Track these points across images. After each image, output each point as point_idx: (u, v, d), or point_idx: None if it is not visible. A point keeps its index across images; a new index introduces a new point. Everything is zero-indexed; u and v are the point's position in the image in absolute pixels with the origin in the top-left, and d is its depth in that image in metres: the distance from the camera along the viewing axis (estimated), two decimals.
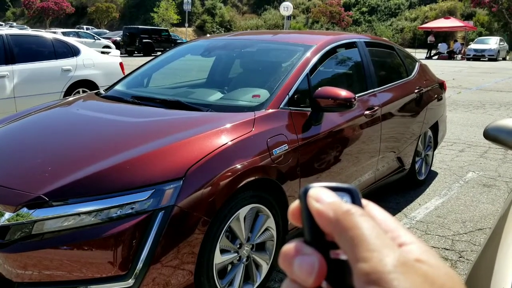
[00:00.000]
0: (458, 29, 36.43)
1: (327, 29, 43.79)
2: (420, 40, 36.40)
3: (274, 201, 2.69)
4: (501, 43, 29.64)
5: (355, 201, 0.37)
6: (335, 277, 0.34)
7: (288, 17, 26.19)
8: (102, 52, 8.57)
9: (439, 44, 31.12)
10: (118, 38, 29.33)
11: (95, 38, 27.07)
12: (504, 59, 29.89)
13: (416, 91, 4.42)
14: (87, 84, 7.07)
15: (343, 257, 0.34)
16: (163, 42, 28.88)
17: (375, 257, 0.32)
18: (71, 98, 3.67)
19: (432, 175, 5.05)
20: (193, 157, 2.31)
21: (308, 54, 3.32)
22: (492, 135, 1.84)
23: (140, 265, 2.08)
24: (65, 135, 2.82)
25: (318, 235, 0.36)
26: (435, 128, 4.97)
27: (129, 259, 2.08)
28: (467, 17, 42.41)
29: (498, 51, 28.71)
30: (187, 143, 2.42)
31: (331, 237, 0.35)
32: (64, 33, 23.49)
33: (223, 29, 47.77)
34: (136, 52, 27.58)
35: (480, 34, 37.44)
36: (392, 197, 4.39)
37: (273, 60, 3.78)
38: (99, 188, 2.14)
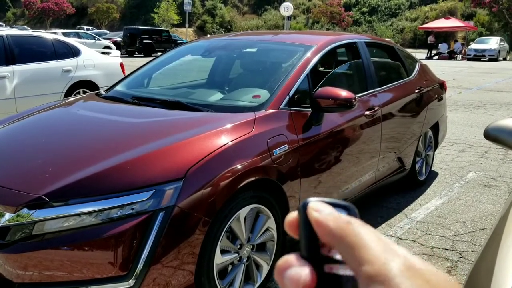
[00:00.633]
0: (458, 29, 36.43)
1: (328, 29, 43.79)
2: (420, 40, 36.40)
3: (274, 202, 2.69)
4: (501, 43, 29.63)
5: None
6: None
7: (289, 18, 26.20)
8: (103, 53, 8.57)
9: (440, 44, 31.11)
10: (119, 39, 29.33)
11: (96, 38, 27.08)
12: (504, 59, 29.88)
13: (416, 91, 4.42)
14: (88, 85, 7.07)
15: (340, 271, 0.35)
16: (164, 42, 28.89)
17: (379, 261, 0.32)
18: (71, 99, 3.67)
19: (432, 175, 5.05)
20: (194, 158, 2.31)
21: (308, 54, 3.32)
22: (493, 135, 1.84)
23: (140, 265, 2.08)
24: (66, 136, 2.82)
25: (314, 248, 0.36)
26: (435, 128, 4.96)
27: (130, 259, 2.08)
28: (467, 17, 42.40)
29: (499, 51, 28.70)
30: (187, 143, 2.42)
31: (327, 251, 0.36)
32: (64, 34, 23.51)
33: (224, 29, 47.79)
34: (136, 53, 27.59)
35: (480, 34, 37.43)
36: (393, 197, 4.39)
37: (274, 61, 3.78)
38: (100, 189, 2.15)
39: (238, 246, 2.53)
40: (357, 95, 3.08)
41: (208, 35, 40.48)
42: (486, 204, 4.28)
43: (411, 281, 0.31)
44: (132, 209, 2.10)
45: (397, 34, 44.48)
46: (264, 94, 3.05)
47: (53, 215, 2.08)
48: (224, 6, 51.72)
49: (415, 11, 46.84)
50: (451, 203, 4.29)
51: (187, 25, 36.68)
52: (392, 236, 3.58)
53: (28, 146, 2.70)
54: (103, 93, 3.69)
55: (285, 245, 2.96)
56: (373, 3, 49.29)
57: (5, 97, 6.10)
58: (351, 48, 3.93)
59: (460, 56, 30.22)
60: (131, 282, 2.09)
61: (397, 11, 47.91)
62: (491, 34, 36.66)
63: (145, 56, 26.68)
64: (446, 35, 38.72)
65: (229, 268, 2.53)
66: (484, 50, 28.34)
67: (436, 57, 30.17)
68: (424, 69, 4.96)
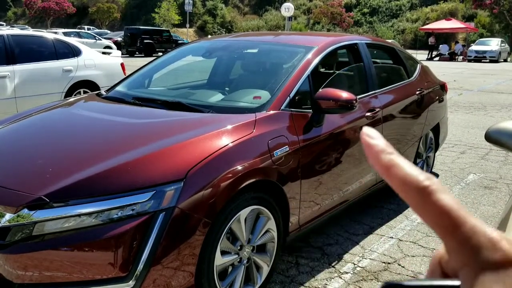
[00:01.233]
0: (459, 31, 36.44)
1: (328, 30, 43.81)
2: (421, 41, 36.42)
3: (275, 203, 2.69)
4: (502, 44, 29.63)
5: None
6: None
7: (289, 18, 26.22)
8: (103, 53, 8.57)
9: (440, 46, 31.12)
10: (119, 39, 29.35)
11: (96, 38, 27.09)
12: (505, 60, 29.88)
13: (417, 92, 4.41)
14: (88, 85, 7.07)
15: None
16: (164, 42, 28.91)
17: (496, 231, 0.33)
18: (72, 99, 3.67)
19: None
20: (194, 159, 2.30)
21: (309, 55, 3.31)
22: (494, 137, 1.83)
23: (140, 266, 2.08)
24: (66, 136, 2.82)
25: None
26: (436, 130, 4.96)
27: (130, 260, 2.08)
28: (468, 18, 42.40)
29: (499, 52, 28.70)
30: (188, 144, 2.42)
31: None
32: (65, 33, 23.53)
33: (224, 29, 47.80)
34: (137, 53, 27.60)
35: (481, 36, 37.43)
36: (393, 198, 4.38)
37: (274, 62, 3.78)
38: (100, 189, 2.14)
39: (238, 248, 2.53)
40: (358, 97, 3.08)
41: (209, 36, 40.49)
42: (486, 206, 4.27)
43: None
44: (133, 210, 2.09)
45: (398, 35, 44.47)
46: (265, 95, 3.04)
47: (54, 215, 2.08)
48: (225, 7, 51.74)
49: (416, 12, 46.84)
50: None
51: (187, 25, 36.71)
52: (392, 237, 3.58)
53: (29, 146, 2.70)
54: (104, 93, 3.68)
55: (285, 246, 2.96)
56: (374, 4, 49.30)
57: (5, 96, 6.10)
58: (352, 49, 3.93)
59: (461, 57, 30.21)
60: (131, 283, 2.08)
61: (398, 12, 47.92)
62: (492, 35, 36.64)
63: (145, 56, 26.69)
64: (447, 37, 38.73)
65: (229, 269, 2.53)
66: (485, 52, 28.34)
67: (437, 58, 30.18)
68: (425, 70, 4.95)
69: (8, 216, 2.12)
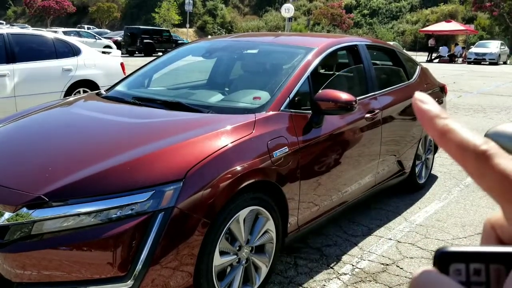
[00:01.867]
0: (459, 33, 36.48)
1: (328, 31, 43.83)
2: (421, 43, 36.47)
3: (274, 204, 2.69)
4: (502, 47, 29.65)
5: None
6: None
7: (289, 19, 26.24)
8: (103, 52, 8.57)
9: (440, 48, 31.16)
10: (119, 38, 29.34)
11: (96, 37, 27.07)
12: (505, 63, 29.90)
13: None
14: (88, 84, 7.07)
15: None
16: (164, 42, 28.90)
17: None
18: (71, 98, 3.67)
19: (432, 178, 5.05)
20: (193, 159, 2.30)
21: (309, 56, 3.32)
22: (493, 140, 1.84)
23: (139, 266, 2.08)
24: (66, 135, 2.81)
25: None
26: None
27: (129, 260, 2.08)
28: (468, 20, 42.47)
29: (499, 55, 28.72)
30: (187, 144, 2.42)
31: None
32: (65, 33, 23.48)
33: (224, 30, 47.82)
34: (137, 52, 27.59)
35: (481, 38, 37.47)
36: (392, 200, 4.39)
37: (274, 62, 3.78)
38: (99, 189, 2.14)
39: (237, 248, 2.53)
40: (357, 98, 3.08)
41: (209, 36, 40.50)
42: (485, 208, 4.28)
43: None
44: (132, 209, 2.09)
45: (398, 36, 44.53)
46: (264, 96, 3.04)
47: (52, 215, 2.08)
48: (225, 7, 51.77)
49: (416, 14, 46.92)
50: (450, 206, 4.29)
51: (188, 25, 36.72)
52: (391, 239, 3.58)
53: (28, 145, 2.70)
54: (104, 93, 3.68)
55: (284, 247, 2.96)
56: (374, 6, 49.36)
57: (5, 95, 6.09)
58: (352, 50, 3.93)
59: (460, 59, 30.25)
60: (130, 282, 2.08)
61: (398, 13, 47.99)
62: (492, 37, 36.70)
63: (145, 56, 26.68)
64: (446, 38, 38.78)
65: (228, 270, 2.53)
66: (484, 54, 28.36)
67: (437, 60, 30.21)
68: (424, 72, 4.96)
69: (7, 215, 2.12)
